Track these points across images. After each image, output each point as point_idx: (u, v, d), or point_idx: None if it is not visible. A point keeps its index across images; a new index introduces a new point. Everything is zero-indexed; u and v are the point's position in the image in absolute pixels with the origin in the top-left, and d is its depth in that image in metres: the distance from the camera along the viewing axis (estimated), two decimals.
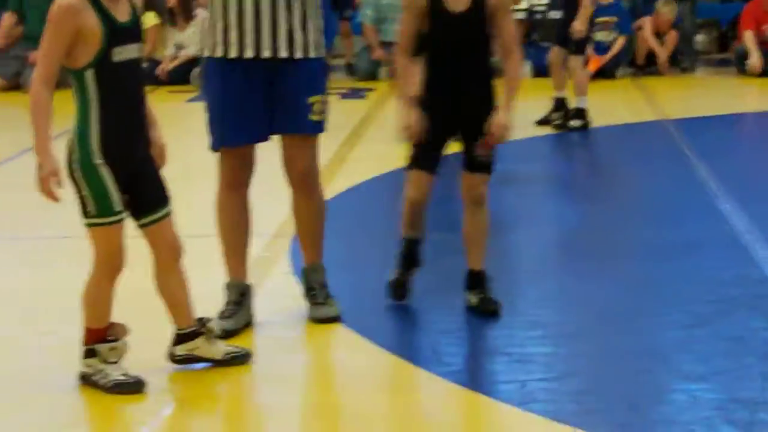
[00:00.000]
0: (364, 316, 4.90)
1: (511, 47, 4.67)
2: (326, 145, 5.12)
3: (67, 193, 3.99)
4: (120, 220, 4.01)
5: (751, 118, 10.71)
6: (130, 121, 3.99)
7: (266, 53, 4.56)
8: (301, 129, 4.67)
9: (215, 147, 4.69)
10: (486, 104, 4.67)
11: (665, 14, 13.01)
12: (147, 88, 4.12)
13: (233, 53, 4.57)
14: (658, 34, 12.99)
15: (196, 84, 12.12)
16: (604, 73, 12.37)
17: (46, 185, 3.88)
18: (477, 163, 4.74)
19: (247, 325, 4.72)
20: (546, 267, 5.78)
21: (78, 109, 3.96)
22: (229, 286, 4.77)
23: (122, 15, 3.93)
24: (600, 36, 12.61)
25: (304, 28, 4.59)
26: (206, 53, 4.67)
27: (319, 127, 4.71)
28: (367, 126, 9.88)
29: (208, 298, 4.62)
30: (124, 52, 3.92)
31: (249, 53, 4.56)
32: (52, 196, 3.89)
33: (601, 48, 12.51)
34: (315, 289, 4.85)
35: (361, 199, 7.21)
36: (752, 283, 5.26)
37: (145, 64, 12.66)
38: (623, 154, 9.10)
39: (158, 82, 12.32)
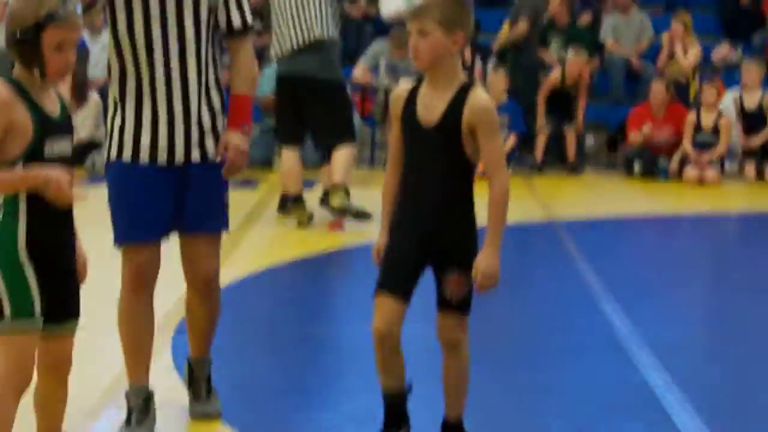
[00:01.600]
0: (246, 413, 4.85)
1: (491, 171, 4.10)
2: None
3: None
4: (38, 328, 3.68)
5: (638, 220, 10.91)
6: (60, 219, 3.75)
7: (180, 159, 4.48)
8: (215, 228, 4.60)
9: (120, 241, 4.53)
10: (457, 231, 4.14)
11: (574, 63, 13.30)
12: None
13: (144, 159, 4.46)
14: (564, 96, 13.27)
15: (89, 169, 12.01)
16: None
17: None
18: (447, 301, 4.17)
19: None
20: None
21: (4, 203, 3.69)
22: (133, 393, 4.59)
23: (52, 108, 3.73)
24: None
25: (214, 129, 4.53)
26: (113, 154, 4.49)
27: (227, 223, 4.67)
28: (258, 215, 9.86)
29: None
30: (56, 147, 3.71)
31: (162, 160, 4.46)
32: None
33: None
34: (199, 382, 4.78)
35: (251, 291, 7.16)
36: (632, 388, 5.32)
37: None
38: (510, 255, 9.18)
39: None
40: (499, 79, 12.98)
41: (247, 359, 5.73)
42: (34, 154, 3.66)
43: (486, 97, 4.09)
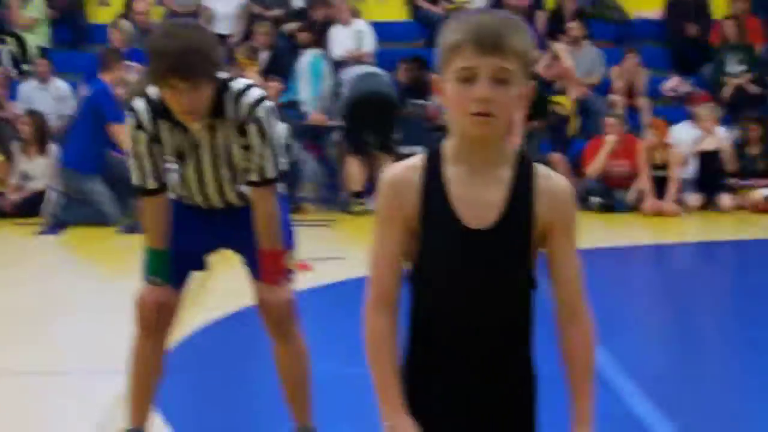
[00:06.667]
0: None
1: (575, 297, 2.69)
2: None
3: None
4: None
5: (600, 251, 10.89)
6: None
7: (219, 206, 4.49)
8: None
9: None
10: (518, 390, 2.71)
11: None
12: None
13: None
14: None
15: (47, 217, 11.81)
16: None
17: None
18: None
19: None
20: None
21: None
22: None
23: None
24: None
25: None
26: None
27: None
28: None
29: None
30: None
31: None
32: None
33: None
34: None
35: (219, 337, 7.03)
36: (618, 421, 5.25)
37: None
38: None
39: (3, 214, 12.06)
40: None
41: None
42: None
43: (564, 178, 2.69)
